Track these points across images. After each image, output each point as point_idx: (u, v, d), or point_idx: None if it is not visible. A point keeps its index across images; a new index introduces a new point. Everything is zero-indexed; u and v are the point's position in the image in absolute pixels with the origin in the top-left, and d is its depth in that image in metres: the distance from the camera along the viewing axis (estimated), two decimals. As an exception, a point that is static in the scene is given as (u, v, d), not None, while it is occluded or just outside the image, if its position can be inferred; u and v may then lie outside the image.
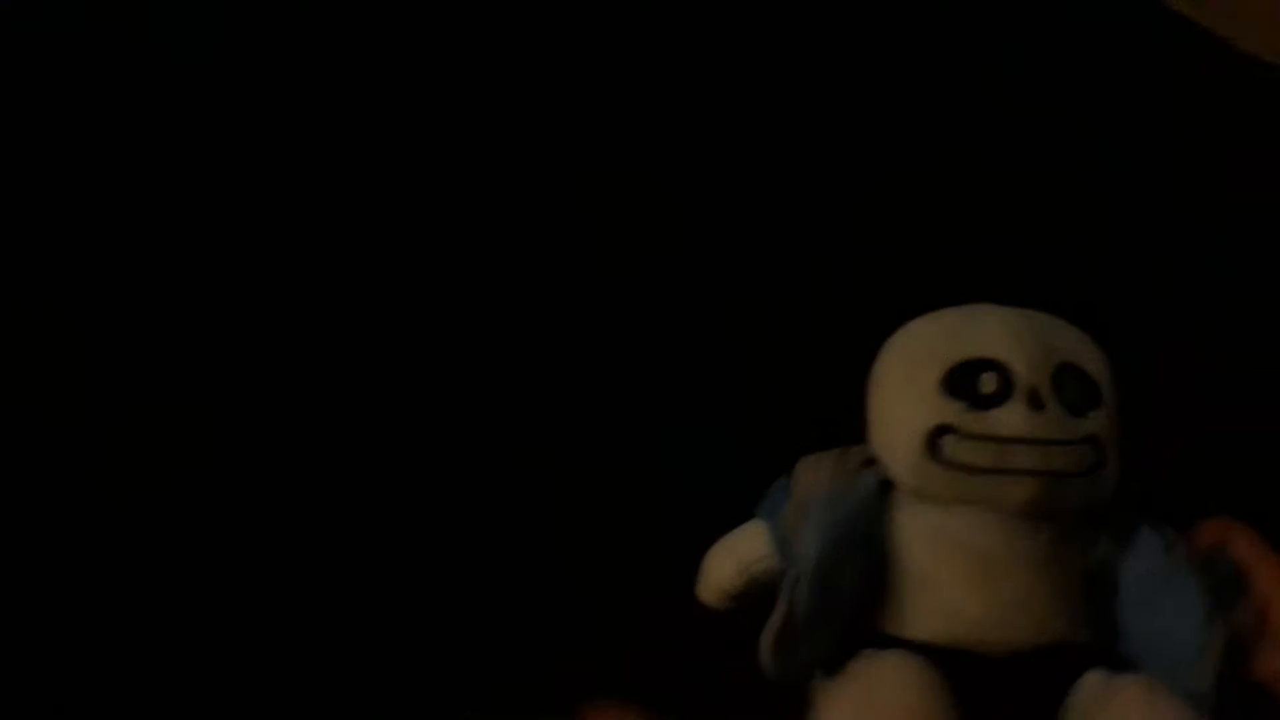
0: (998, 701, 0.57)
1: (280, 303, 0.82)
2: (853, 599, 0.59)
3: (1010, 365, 0.58)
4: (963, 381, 0.58)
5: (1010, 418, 0.57)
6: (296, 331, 0.81)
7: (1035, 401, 0.57)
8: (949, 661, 0.57)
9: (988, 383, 0.57)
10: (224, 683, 0.67)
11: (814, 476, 0.62)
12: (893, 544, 0.60)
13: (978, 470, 0.56)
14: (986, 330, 0.59)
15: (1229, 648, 0.58)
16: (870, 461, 0.61)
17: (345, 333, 0.82)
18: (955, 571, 0.58)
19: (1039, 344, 0.58)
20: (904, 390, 0.59)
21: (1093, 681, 0.57)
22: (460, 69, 0.91)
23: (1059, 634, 0.58)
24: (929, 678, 0.55)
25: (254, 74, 0.86)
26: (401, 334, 0.83)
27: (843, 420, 0.61)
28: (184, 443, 0.74)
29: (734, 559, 0.63)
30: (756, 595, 0.62)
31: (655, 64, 0.94)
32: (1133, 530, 0.61)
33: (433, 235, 0.87)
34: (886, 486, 0.60)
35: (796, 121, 0.95)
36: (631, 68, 0.93)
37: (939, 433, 0.57)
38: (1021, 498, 0.57)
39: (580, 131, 0.91)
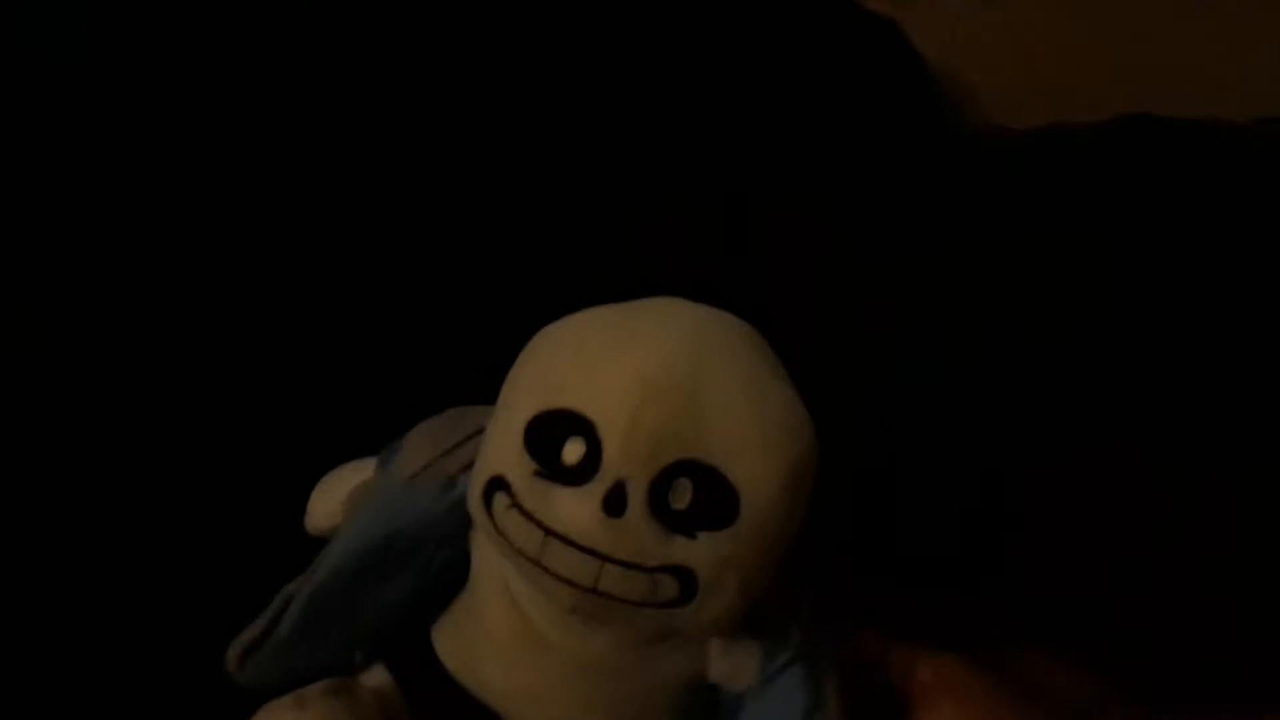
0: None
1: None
2: (382, 610, 0.48)
3: (603, 440, 0.42)
4: (546, 435, 0.43)
5: (570, 509, 0.42)
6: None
7: (614, 501, 0.41)
8: (457, 708, 0.47)
9: (571, 452, 0.42)
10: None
11: (416, 455, 0.50)
12: (472, 558, 0.48)
13: (517, 550, 0.43)
14: (610, 369, 0.42)
15: None
16: None
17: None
18: (493, 627, 0.47)
19: (665, 415, 0.41)
20: (502, 414, 0.45)
21: None
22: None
23: None
24: None
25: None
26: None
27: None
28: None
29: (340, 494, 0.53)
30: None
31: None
32: (773, 671, 0.47)
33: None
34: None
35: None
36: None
37: (495, 485, 0.44)
38: (559, 601, 0.43)
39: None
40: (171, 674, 0.55)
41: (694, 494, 0.41)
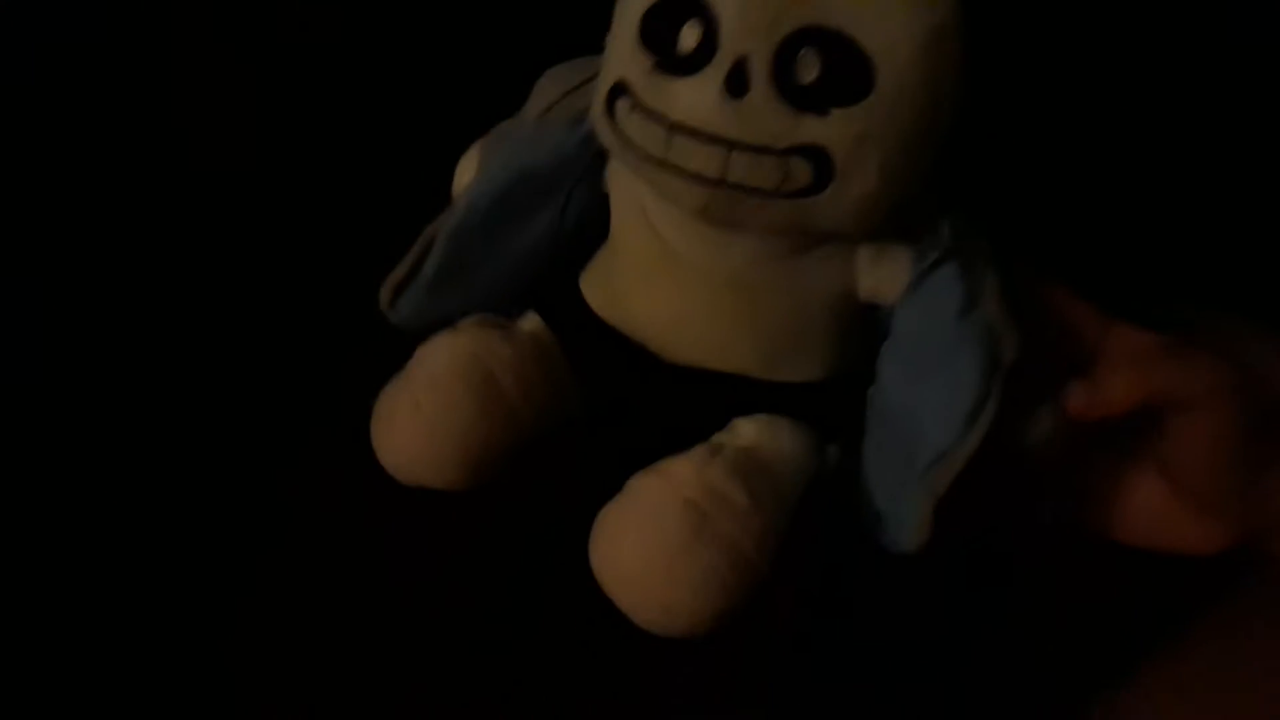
0: (636, 405, 0.46)
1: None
2: (524, 254, 0.48)
3: (719, 16, 0.39)
4: (662, 26, 0.40)
5: (690, 96, 0.39)
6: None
7: (735, 81, 0.39)
8: (609, 346, 0.46)
9: (687, 37, 0.40)
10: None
11: (542, 96, 0.48)
12: (608, 193, 0.47)
13: (644, 154, 0.41)
14: None
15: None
16: None
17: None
18: (633, 255, 0.46)
19: None
20: (618, 16, 0.42)
21: (741, 428, 0.44)
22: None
23: (743, 364, 0.45)
24: (474, 357, 0.44)
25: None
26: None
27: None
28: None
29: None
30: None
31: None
32: (923, 271, 0.44)
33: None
34: None
35: None
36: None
37: (617, 91, 0.42)
38: (689, 204, 0.41)
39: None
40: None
41: (822, 65, 0.38)
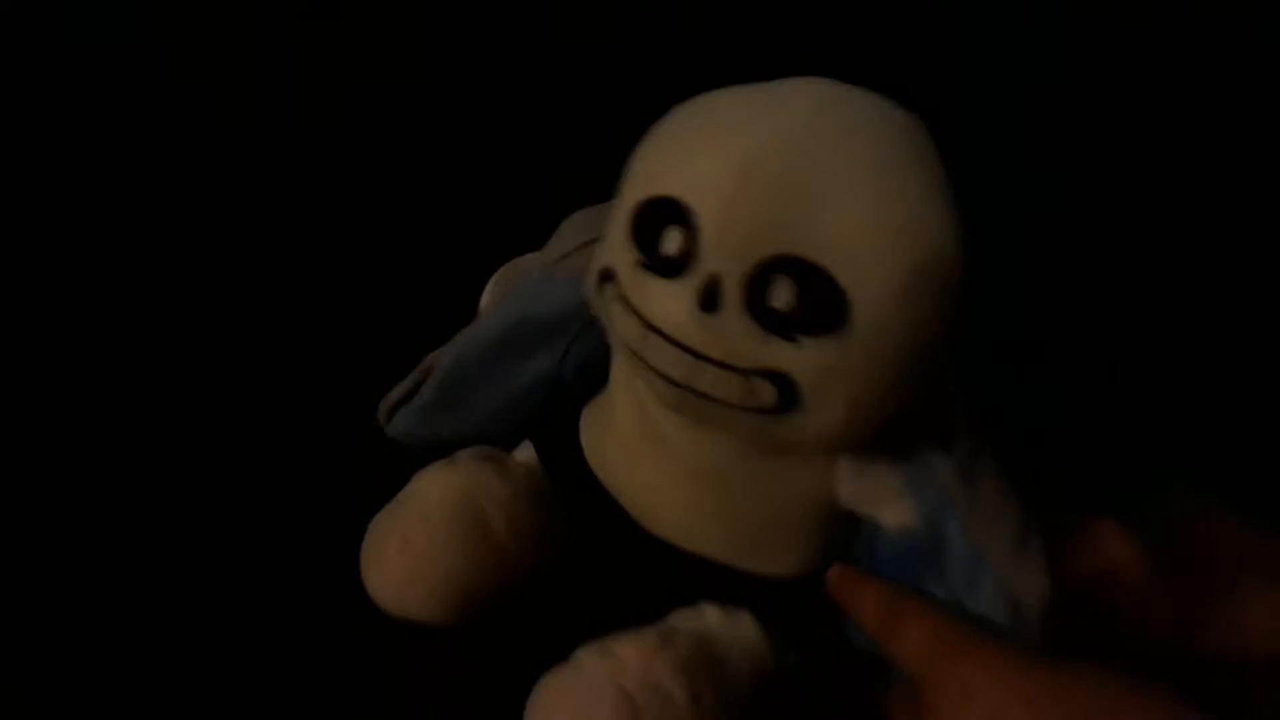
0: (609, 565, 0.46)
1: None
2: (521, 392, 0.48)
3: (700, 229, 0.38)
4: (648, 223, 0.39)
5: (665, 302, 0.39)
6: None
7: (708, 296, 0.38)
8: (595, 497, 0.46)
9: (670, 242, 0.38)
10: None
11: (560, 243, 0.48)
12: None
13: (623, 341, 0.41)
14: (711, 150, 0.38)
15: None
16: None
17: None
18: (623, 420, 0.46)
19: (765, 203, 0.37)
20: (618, 205, 0.42)
21: (705, 613, 0.44)
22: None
23: (715, 550, 0.45)
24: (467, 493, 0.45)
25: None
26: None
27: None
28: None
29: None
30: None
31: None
32: (909, 485, 0.42)
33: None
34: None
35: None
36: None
37: (606, 275, 0.41)
38: (662, 398, 0.40)
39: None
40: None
41: (796, 294, 0.37)
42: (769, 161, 0.37)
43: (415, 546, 0.45)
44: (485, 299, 0.51)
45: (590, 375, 0.48)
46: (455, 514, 0.45)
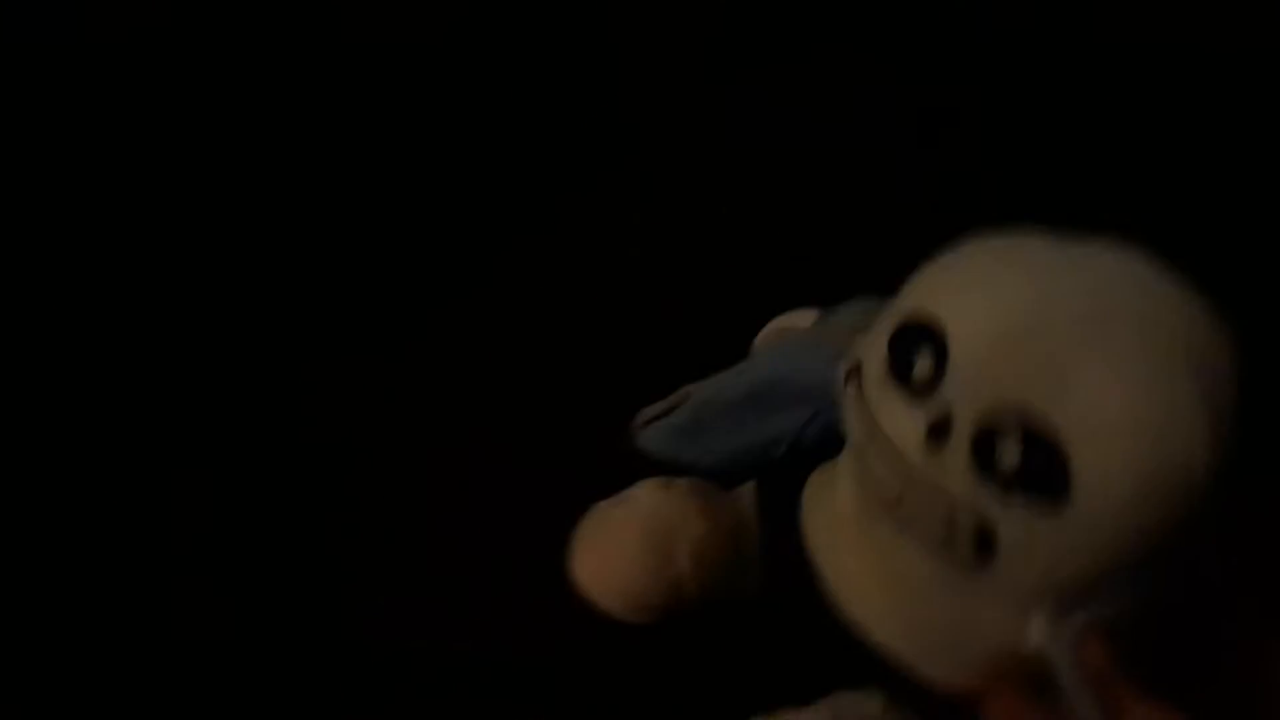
0: (789, 630, 0.49)
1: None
2: (760, 444, 0.51)
3: (951, 361, 0.39)
4: (906, 341, 0.41)
5: (899, 418, 0.40)
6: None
7: (938, 429, 0.39)
8: (796, 558, 0.48)
9: (922, 367, 0.40)
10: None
11: (838, 320, 0.49)
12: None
13: (852, 433, 0.42)
14: (989, 290, 0.39)
15: None
16: None
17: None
18: (840, 505, 0.47)
19: (1022, 361, 0.37)
20: (891, 309, 0.43)
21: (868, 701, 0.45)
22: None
23: (895, 649, 0.45)
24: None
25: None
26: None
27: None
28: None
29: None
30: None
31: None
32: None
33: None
34: None
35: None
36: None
37: (855, 371, 0.43)
38: (876, 497, 0.42)
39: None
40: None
41: (1022, 456, 0.38)
42: (1039, 321, 0.38)
43: (604, 547, 0.51)
44: (758, 341, 0.54)
45: (828, 445, 0.50)
46: (647, 534, 0.51)
